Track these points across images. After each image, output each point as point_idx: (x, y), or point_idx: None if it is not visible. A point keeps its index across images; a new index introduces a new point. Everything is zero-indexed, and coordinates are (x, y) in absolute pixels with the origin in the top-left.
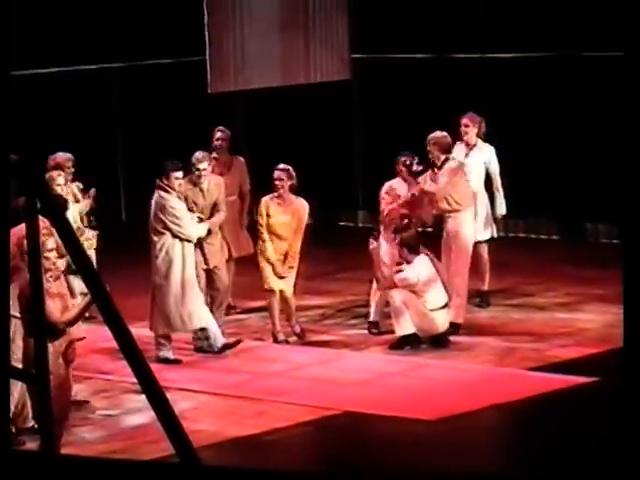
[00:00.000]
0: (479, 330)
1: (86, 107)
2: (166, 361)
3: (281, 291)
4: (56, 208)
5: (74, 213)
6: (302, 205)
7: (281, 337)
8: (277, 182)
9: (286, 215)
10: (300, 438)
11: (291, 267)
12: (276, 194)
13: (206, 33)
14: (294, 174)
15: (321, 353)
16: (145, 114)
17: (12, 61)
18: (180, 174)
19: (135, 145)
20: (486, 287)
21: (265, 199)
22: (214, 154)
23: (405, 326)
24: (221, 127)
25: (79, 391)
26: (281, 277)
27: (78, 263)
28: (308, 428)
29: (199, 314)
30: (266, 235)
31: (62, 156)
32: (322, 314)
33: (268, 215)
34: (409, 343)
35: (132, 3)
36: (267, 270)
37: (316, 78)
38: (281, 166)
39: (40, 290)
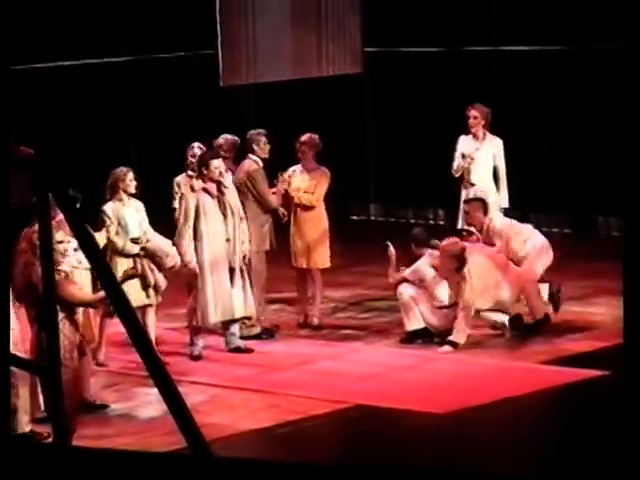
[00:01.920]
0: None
1: (98, 100)
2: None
3: (309, 270)
4: (69, 202)
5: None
6: (322, 171)
7: (300, 320)
8: (299, 154)
9: (305, 182)
10: (312, 431)
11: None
12: (299, 165)
13: (218, 26)
14: (317, 142)
15: (333, 346)
16: (157, 107)
17: (24, 54)
18: (219, 162)
19: (147, 138)
20: None
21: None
22: (189, 172)
23: (414, 321)
24: (197, 144)
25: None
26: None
27: (90, 257)
28: (320, 421)
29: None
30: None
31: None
32: (334, 307)
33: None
34: (420, 337)
35: None
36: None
37: (328, 72)
38: (302, 138)
39: (52, 283)
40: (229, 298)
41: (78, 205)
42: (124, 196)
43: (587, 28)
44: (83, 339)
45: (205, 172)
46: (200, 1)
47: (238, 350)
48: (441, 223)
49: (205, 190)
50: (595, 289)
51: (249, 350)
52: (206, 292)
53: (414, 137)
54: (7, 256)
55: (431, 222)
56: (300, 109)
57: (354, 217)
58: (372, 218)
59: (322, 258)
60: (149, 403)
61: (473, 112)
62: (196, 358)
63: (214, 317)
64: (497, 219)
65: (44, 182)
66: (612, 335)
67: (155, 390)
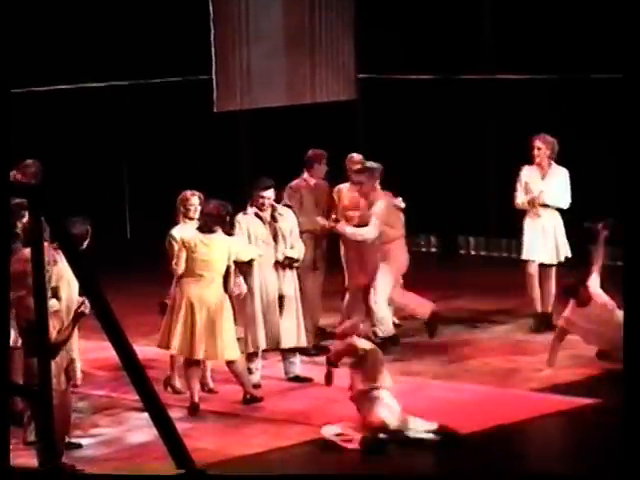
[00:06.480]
0: (482, 351)
1: (92, 125)
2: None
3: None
4: (65, 233)
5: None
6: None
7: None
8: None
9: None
10: (303, 457)
11: None
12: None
13: (213, 52)
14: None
15: (322, 372)
16: (151, 132)
17: (15, 78)
18: (270, 192)
19: (141, 163)
20: (549, 309)
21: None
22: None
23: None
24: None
25: (81, 409)
26: None
27: (86, 287)
28: (311, 447)
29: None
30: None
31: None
32: (321, 333)
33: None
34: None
35: (139, 21)
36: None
37: (322, 98)
38: (356, 157)
39: (45, 311)
40: (277, 326)
41: (89, 233)
42: (186, 220)
43: (580, 57)
44: (70, 363)
45: (255, 201)
46: (195, 27)
47: (297, 379)
48: (433, 250)
49: (257, 215)
50: None
51: (308, 379)
52: (256, 318)
53: (407, 164)
54: (8, 276)
55: (423, 249)
56: (293, 135)
57: None
58: None
59: None
60: (140, 427)
61: (537, 143)
62: (255, 386)
63: (264, 344)
64: None
65: (40, 209)
66: (604, 363)
67: (146, 414)
